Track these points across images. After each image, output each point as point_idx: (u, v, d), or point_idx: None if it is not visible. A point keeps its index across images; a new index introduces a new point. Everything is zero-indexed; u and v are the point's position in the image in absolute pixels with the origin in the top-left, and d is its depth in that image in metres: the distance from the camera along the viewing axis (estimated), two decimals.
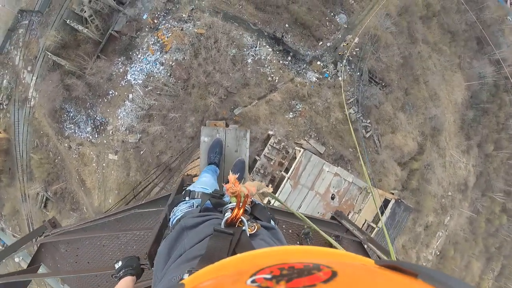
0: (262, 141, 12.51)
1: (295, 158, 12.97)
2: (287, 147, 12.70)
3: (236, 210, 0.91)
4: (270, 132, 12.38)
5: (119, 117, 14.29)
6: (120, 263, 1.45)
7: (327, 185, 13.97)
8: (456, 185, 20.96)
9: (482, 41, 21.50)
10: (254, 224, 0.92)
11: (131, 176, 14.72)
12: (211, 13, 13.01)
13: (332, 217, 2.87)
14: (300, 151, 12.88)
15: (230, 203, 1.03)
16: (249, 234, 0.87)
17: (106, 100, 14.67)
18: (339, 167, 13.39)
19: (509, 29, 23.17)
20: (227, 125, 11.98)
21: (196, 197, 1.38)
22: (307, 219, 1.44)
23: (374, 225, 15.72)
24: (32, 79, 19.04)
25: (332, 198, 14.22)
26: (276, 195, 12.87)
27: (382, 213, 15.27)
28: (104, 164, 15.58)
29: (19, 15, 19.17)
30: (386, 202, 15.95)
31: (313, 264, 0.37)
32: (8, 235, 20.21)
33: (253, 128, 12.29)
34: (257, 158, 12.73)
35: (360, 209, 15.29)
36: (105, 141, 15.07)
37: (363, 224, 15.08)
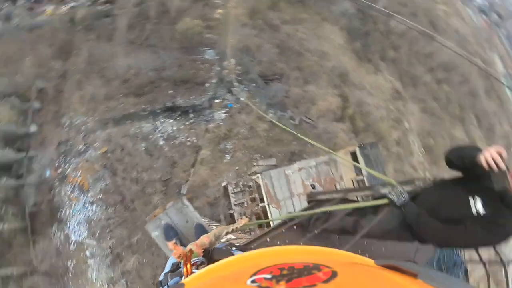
0: (223, 195, 12.61)
1: (260, 185, 13.22)
2: (246, 183, 12.94)
3: (184, 269, 0.99)
4: (224, 184, 12.55)
5: (94, 280, 13.29)
6: None
7: (301, 182, 14.38)
8: (390, 97, 22.96)
9: None
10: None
11: None
12: (102, 128, 13.06)
13: (308, 202, 3.02)
14: (258, 177, 13.18)
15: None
16: None
17: (70, 275, 13.53)
18: (296, 162, 13.98)
19: None
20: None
21: (163, 283, 1.47)
22: (298, 213, 1.71)
23: (361, 177, 16.56)
24: None
25: (314, 188, 14.72)
26: (271, 224, 13.00)
27: (359, 164, 16.09)
28: None
29: None
30: (354, 155, 16.83)
31: (313, 264, 0.39)
32: None
33: (208, 192, 12.38)
34: (231, 211, 12.75)
35: (341, 176, 15.97)
36: None
37: (353, 183, 15.82)
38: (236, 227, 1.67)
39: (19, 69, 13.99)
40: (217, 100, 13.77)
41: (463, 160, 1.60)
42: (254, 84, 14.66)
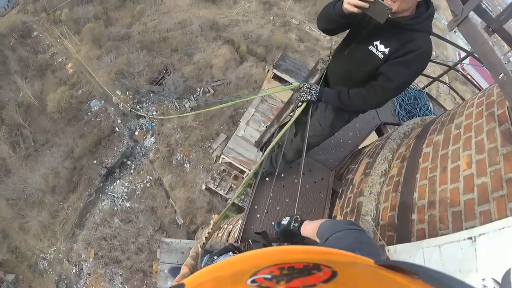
0: (212, 195, 12.95)
1: (230, 162, 13.56)
2: (219, 171, 13.27)
3: None
4: (203, 187, 12.89)
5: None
6: None
7: (256, 131, 15.04)
8: (263, 10, 22.76)
9: None
10: None
11: None
12: (73, 241, 12.46)
13: (260, 149, 2.87)
14: (223, 157, 13.47)
15: None
16: None
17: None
18: (240, 121, 14.49)
19: None
20: None
21: None
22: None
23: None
24: None
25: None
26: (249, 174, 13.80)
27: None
28: None
29: None
30: (279, 79, 17.50)
31: (313, 264, 0.36)
32: None
33: (197, 204, 12.73)
34: (229, 200, 13.24)
35: (282, 101, 16.79)
36: None
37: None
38: (209, 231, 1.52)
39: None
40: (136, 133, 13.44)
41: (334, 20, 1.44)
42: (151, 94, 14.36)
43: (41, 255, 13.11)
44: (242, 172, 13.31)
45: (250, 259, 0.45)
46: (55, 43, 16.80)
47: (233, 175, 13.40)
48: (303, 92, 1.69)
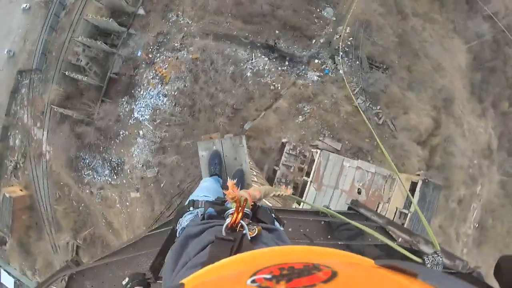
0: (278, 150, 12.45)
1: (314, 160, 12.82)
2: (303, 151, 12.59)
3: (235, 215, 0.92)
4: (284, 140, 12.32)
5: (134, 155, 14.53)
6: (126, 279, 1.58)
7: (351, 180, 13.72)
8: (480, 152, 20.29)
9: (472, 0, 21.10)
10: (255, 227, 0.92)
11: (156, 210, 14.85)
12: (202, 37, 13.22)
13: (349, 208, 2.82)
14: (317, 152, 12.75)
15: (231, 208, 1.04)
16: (251, 237, 0.87)
17: (118, 141, 14.95)
18: (359, 160, 13.16)
19: None
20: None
21: (200, 206, 1.40)
22: (335, 213, 1.56)
23: (406, 211, 15.32)
24: (43, 134, 19.67)
25: (359, 193, 13.94)
26: (303, 198, 12.75)
27: (413, 196, 14.86)
28: (127, 203, 15.79)
29: (19, 76, 19.93)
30: (413, 185, 15.52)
31: (313, 264, 0.37)
32: None
33: (266, 139, 12.26)
34: (276, 168, 12.65)
35: (389, 198, 14.93)
36: (124, 181, 15.31)
37: (395, 213, 14.72)
38: (282, 194, 1.49)
39: None
40: (316, 61, 13.01)
41: None
42: (358, 63, 13.51)
43: (179, 12, 14.25)
44: (308, 175, 12.39)
45: (250, 259, 0.48)
46: None
47: (302, 166, 12.55)
48: (432, 258, 1.66)
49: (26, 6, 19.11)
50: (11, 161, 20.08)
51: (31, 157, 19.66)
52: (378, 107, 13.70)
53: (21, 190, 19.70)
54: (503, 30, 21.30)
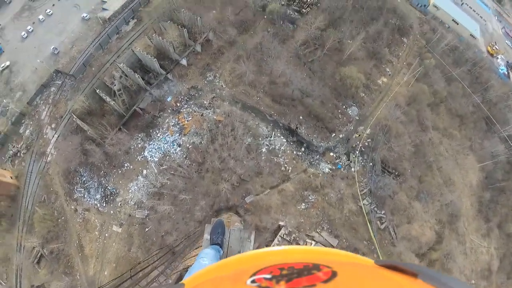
0: (272, 231, 12.06)
1: None
2: (298, 239, 12.13)
3: None
4: (281, 223, 12.00)
5: (130, 191, 14.35)
6: None
7: None
8: (479, 272, 19.15)
9: (491, 120, 22.03)
10: None
11: (132, 251, 14.07)
12: (231, 102, 13.95)
13: None
14: (311, 244, 12.24)
15: None
16: None
17: (120, 171, 14.95)
18: None
19: None
20: (237, 213, 11.70)
21: None
22: None
23: None
24: (53, 136, 19.98)
25: None
26: None
27: None
28: (106, 235, 15.12)
29: (54, 74, 21.04)
30: None
31: (313, 264, 0.37)
32: None
33: (264, 217, 11.98)
34: None
35: None
36: (112, 212, 14.89)
37: None
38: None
39: (202, 15, 15.88)
40: (331, 154, 13.31)
41: None
42: (371, 164, 13.73)
43: (217, 75, 15.28)
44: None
45: (250, 259, 0.49)
46: None
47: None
48: None
49: (86, 16, 20.99)
50: (14, 147, 20.12)
51: (34, 152, 19.73)
52: (383, 212, 13.46)
53: (11, 178, 19.34)
54: None
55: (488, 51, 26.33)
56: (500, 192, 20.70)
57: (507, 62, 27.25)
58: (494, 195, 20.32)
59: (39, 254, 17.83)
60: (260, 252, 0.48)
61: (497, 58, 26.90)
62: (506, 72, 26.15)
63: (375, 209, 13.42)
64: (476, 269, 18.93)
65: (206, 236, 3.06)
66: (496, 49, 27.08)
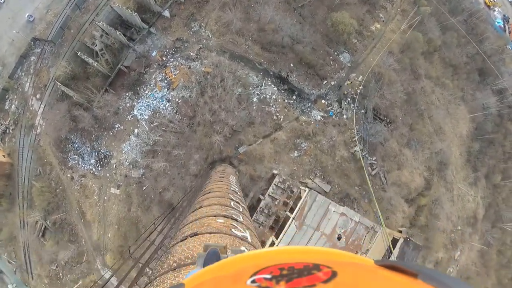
0: (267, 180, 12.33)
1: (300, 197, 12.71)
2: (292, 186, 12.49)
3: None
4: (275, 171, 12.23)
5: (123, 151, 14.28)
6: None
7: (333, 225, 13.58)
8: (465, 219, 20.39)
9: (484, 72, 21.82)
10: None
11: (132, 211, 14.43)
12: (218, 53, 13.36)
13: None
14: (305, 190, 12.66)
15: None
16: None
17: (111, 133, 14.74)
18: (345, 206, 13.08)
19: (510, 58, 23.59)
20: (231, 164, 11.83)
21: None
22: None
23: None
24: (40, 107, 19.36)
25: (339, 239, 13.77)
26: (280, 236, 12.56)
27: (391, 253, 14.71)
28: (105, 198, 15.37)
29: (32, 43, 19.78)
30: (394, 241, 15.38)
31: (313, 264, 0.37)
32: (3, 261, 19.64)
33: (258, 167, 12.16)
34: (261, 197, 12.48)
35: (368, 249, 14.76)
36: (108, 175, 14.96)
37: None
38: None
39: None
40: (323, 101, 13.16)
41: None
42: (363, 112, 13.70)
43: (202, 24, 14.38)
44: (291, 211, 12.22)
45: (250, 259, 0.49)
46: None
47: (288, 201, 12.38)
48: None
49: None
50: (1, 124, 19.62)
51: (23, 126, 19.26)
52: (374, 158, 13.77)
53: (3, 156, 19.13)
54: (510, 105, 22.01)
55: (485, 3, 25.44)
56: (489, 144, 21.23)
57: (504, 15, 26.54)
58: (483, 146, 20.86)
59: (42, 227, 18.26)
60: (260, 252, 0.49)
61: (494, 10, 26.11)
62: (502, 25, 25.50)
63: (367, 155, 13.70)
64: (462, 216, 20.07)
65: (199, 268, 2.92)
66: (493, 1, 26.06)
